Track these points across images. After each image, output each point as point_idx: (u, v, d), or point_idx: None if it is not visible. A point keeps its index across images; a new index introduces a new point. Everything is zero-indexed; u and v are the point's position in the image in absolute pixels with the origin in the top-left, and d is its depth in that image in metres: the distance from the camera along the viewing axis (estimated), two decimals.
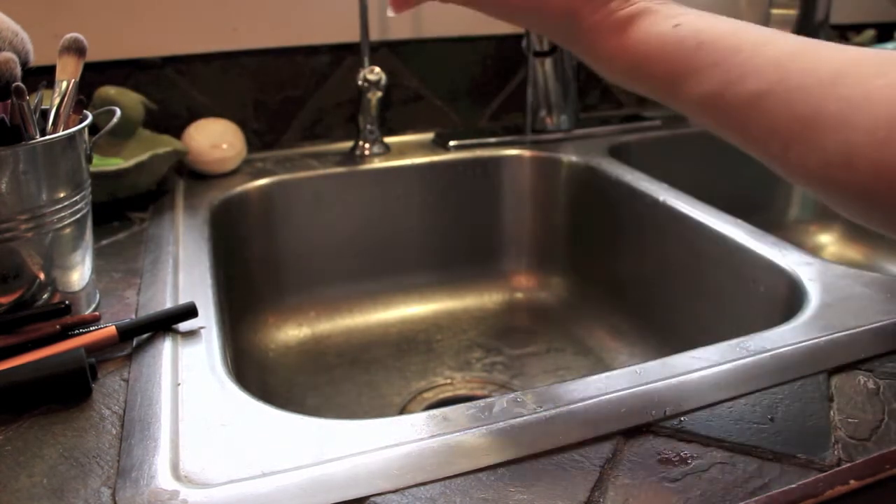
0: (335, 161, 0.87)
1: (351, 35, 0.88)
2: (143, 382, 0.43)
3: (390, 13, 0.43)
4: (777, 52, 0.33)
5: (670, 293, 0.72)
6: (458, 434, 0.37)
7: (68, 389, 0.41)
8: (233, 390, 0.42)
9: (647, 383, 0.41)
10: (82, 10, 0.80)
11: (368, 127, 0.88)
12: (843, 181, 0.30)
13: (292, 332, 0.83)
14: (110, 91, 0.76)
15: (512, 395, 0.40)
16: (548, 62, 0.90)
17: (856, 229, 0.97)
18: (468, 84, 0.99)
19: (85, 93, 0.52)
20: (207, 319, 0.50)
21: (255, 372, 0.75)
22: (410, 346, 0.82)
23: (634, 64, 0.37)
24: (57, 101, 0.50)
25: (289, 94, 0.91)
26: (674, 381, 0.41)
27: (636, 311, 0.78)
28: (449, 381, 0.77)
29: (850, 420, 0.38)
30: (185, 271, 0.57)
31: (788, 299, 0.55)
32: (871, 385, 0.41)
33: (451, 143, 0.90)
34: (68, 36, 0.51)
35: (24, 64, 0.47)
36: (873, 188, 0.29)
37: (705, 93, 0.35)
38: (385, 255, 0.88)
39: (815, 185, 0.32)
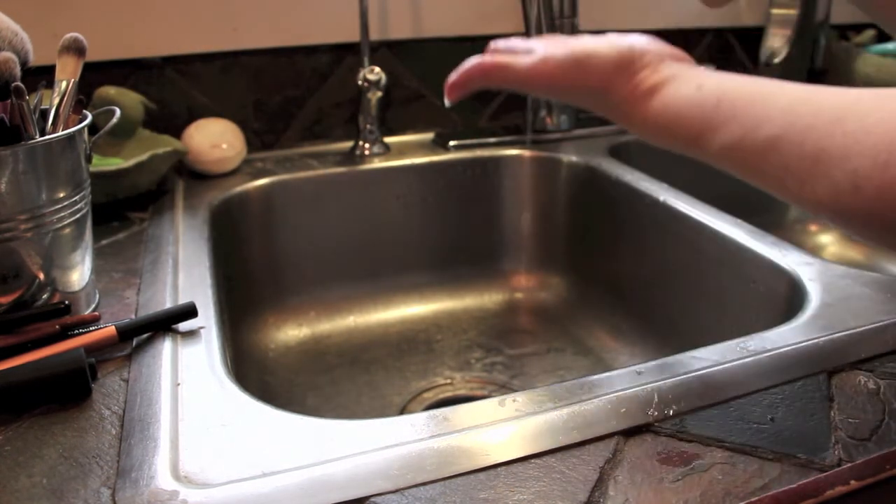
0: (335, 161, 0.87)
1: (351, 35, 0.88)
2: (142, 382, 0.43)
3: (447, 102, 0.48)
4: (786, 100, 0.37)
5: (670, 293, 0.72)
6: (458, 434, 0.37)
7: (68, 389, 0.41)
8: (233, 390, 0.42)
9: (647, 383, 0.41)
10: (82, 10, 0.80)
11: (368, 127, 0.88)
12: (854, 207, 0.33)
13: (292, 332, 0.83)
14: (110, 91, 0.76)
15: (511, 396, 0.40)
16: None
17: None
18: None
19: (85, 93, 0.52)
20: (207, 319, 0.50)
21: (255, 372, 0.75)
22: (410, 346, 0.82)
23: (664, 125, 0.42)
24: (56, 101, 0.50)
25: (289, 94, 0.91)
26: (674, 381, 0.41)
27: (636, 311, 0.78)
28: (449, 381, 0.77)
29: (850, 420, 0.38)
30: (185, 271, 0.57)
31: (788, 299, 0.55)
32: (871, 385, 0.41)
33: (451, 143, 0.90)
34: (68, 36, 0.51)
35: (23, 64, 0.47)
36: (880, 209, 0.32)
37: (727, 143, 0.38)
38: (385, 255, 0.88)
39: (829, 214, 0.35)
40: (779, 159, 0.36)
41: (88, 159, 0.51)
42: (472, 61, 0.46)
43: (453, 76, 0.47)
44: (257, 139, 0.90)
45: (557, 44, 0.45)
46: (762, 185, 0.39)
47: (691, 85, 0.41)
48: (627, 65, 0.43)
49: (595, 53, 0.44)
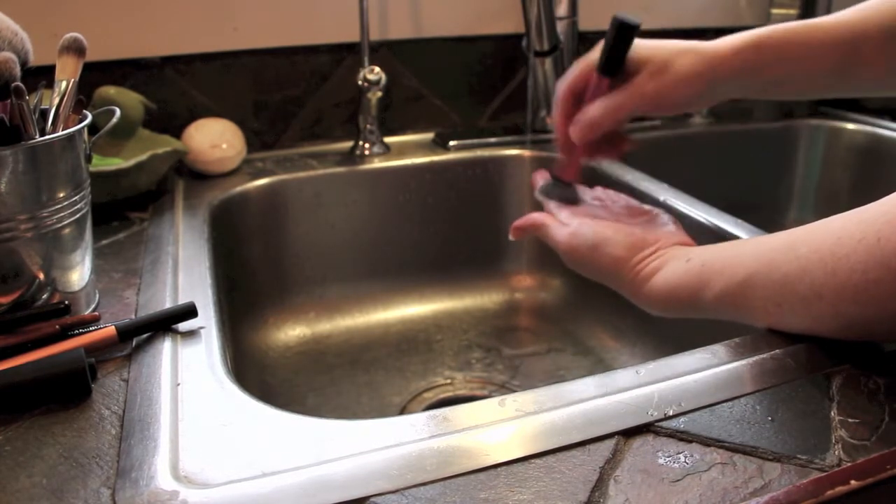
0: (335, 161, 0.87)
1: (351, 35, 0.88)
2: (142, 383, 0.42)
3: (511, 237, 0.60)
4: (752, 246, 0.45)
5: None
6: (458, 434, 0.37)
7: (68, 389, 0.41)
8: (233, 390, 0.42)
9: (647, 383, 0.41)
10: (82, 10, 0.80)
11: (368, 127, 0.88)
12: (821, 311, 0.41)
13: (292, 332, 0.83)
14: (110, 91, 0.76)
15: (512, 396, 0.40)
16: (548, 62, 0.90)
17: None
18: (468, 84, 0.99)
19: (85, 93, 0.52)
20: (207, 319, 0.50)
21: (255, 372, 0.75)
22: (410, 346, 0.82)
23: (665, 296, 0.49)
24: (56, 101, 0.50)
25: (289, 94, 0.91)
26: (674, 381, 0.41)
27: (636, 311, 0.77)
28: (449, 381, 0.77)
29: (850, 420, 0.38)
30: (185, 271, 0.57)
31: None
32: (871, 385, 0.41)
33: (451, 143, 0.90)
34: (68, 35, 0.51)
35: (23, 64, 0.47)
36: (841, 310, 0.40)
37: (717, 292, 0.45)
38: (385, 255, 0.88)
39: (807, 323, 0.43)
40: (757, 292, 0.43)
41: (88, 159, 0.51)
42: (534, 216, 0.58)
43: (519, 221, 0.59)
44: (257, 139, 0.90)
45: (589, 223, 0.55)
46: (754, 320, 0.45)
47: (682, 260, 0.49)
48: (634, 254, 0.52)
49: (610, 241, 0.53)
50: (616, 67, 0.56)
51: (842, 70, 0.56)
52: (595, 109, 0.56)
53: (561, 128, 0.59)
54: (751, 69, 0.55)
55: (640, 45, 0.57)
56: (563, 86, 0.59)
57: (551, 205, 0.60)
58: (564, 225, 0.56)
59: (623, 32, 0.56)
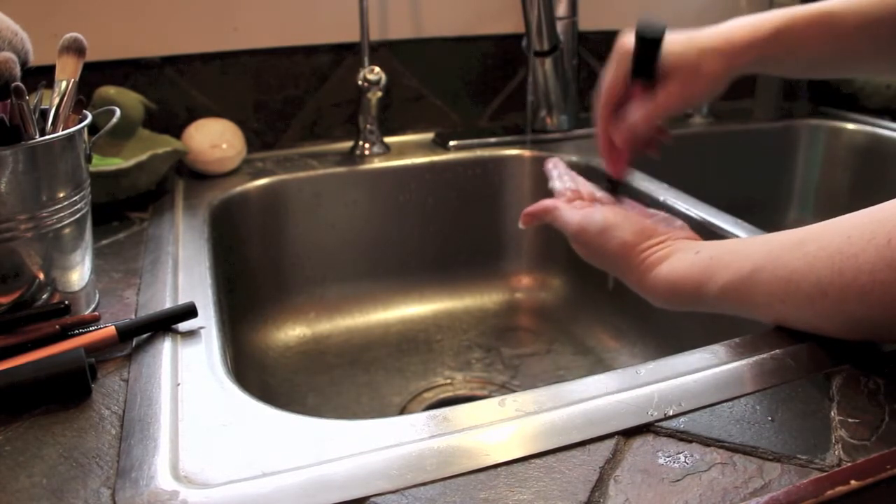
0: (335, 161, 0.87)
1: (351, 35, 0.88)
2: (142, 383, 0.42)
3: (521, 225, 0.61)
4: (761, 242, 0.45)
5: None
6: (458, 434, 0.37)
7: (68, 389, 0.41)
8: (233, 390, 0.42)
9: (647, 383, 0.41)
10: (82, 10, 0.80)
11: (368, 127, 0.88)
12: (825, 308, 0.41)
13: (292, 332, 0.83)
14: (110, 91, 0.76)
15: (511, 396, 0.40)
16: (548, 62, 0.90)
17: None
18: (468, 84, 0.99)
19: (85, 93, 0.52)
20: (207, 319, 0.50)
21: (255, 372, 0.75)
22: (410, 346, 0.82)
23: (669, 286, 0.49)
24: (56, 101, 0.50)
25: (289, 94, 0.91)
26: (674, 381, 0.41)
27: (636, 311, 0.78)
28: (449, 381, 0.77)
29: (850, 420, 0.38)
30: (185, 271, 0.57)
31: None
32: (871, 385, 0.41)
33: (451, 143, 0.90)
34: (68, 35, 0.51)
35: (23, 64, 0.47)
36: (846, 308, 0.40)
37: (723, 284, 0.45)
38: (385, 255, 0.88)
39: (811, 321, 0.43)
40: (762, 287, 0.43)
41: (88, 159, 0.51)
42: (545, 201, 0.60)
43: (530, 207, 0.60)
44: (257, 139, 0.90)
45: (600, 208, 0.56)
46: (758, 315, 0.45)
47: (691, 252, 0.49)
48: (642, 240, 0.52)
49: (619, 226, 0.54)
50: (649, 74, 0.59)
51: (852, 57, 0.58)
52: (635, 115, 0.59)
53: (603, 133, 0.62)
54: (763, 62, 0.59)
55: (668, 51, 0.59)
56: (601, 96, 0.62)
57: (557, 184, 0.62)
58: (576, 209, 0.58)
59: (647, 45, 0.58)
